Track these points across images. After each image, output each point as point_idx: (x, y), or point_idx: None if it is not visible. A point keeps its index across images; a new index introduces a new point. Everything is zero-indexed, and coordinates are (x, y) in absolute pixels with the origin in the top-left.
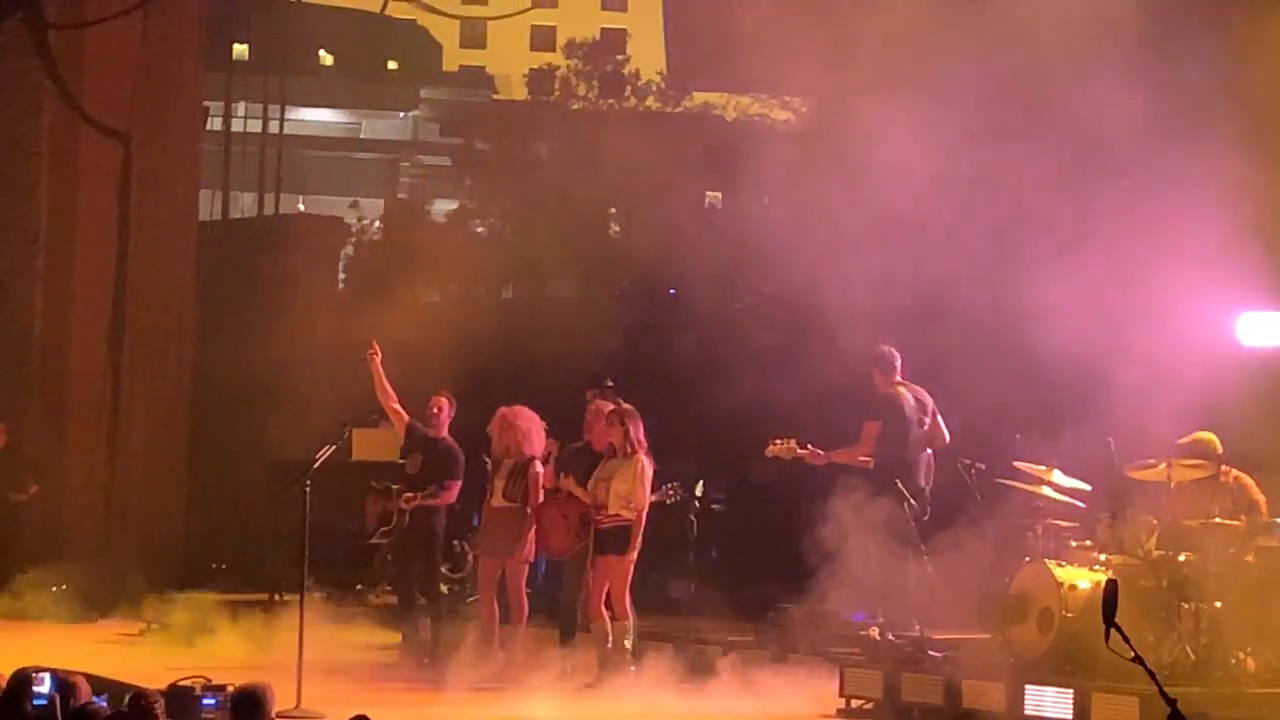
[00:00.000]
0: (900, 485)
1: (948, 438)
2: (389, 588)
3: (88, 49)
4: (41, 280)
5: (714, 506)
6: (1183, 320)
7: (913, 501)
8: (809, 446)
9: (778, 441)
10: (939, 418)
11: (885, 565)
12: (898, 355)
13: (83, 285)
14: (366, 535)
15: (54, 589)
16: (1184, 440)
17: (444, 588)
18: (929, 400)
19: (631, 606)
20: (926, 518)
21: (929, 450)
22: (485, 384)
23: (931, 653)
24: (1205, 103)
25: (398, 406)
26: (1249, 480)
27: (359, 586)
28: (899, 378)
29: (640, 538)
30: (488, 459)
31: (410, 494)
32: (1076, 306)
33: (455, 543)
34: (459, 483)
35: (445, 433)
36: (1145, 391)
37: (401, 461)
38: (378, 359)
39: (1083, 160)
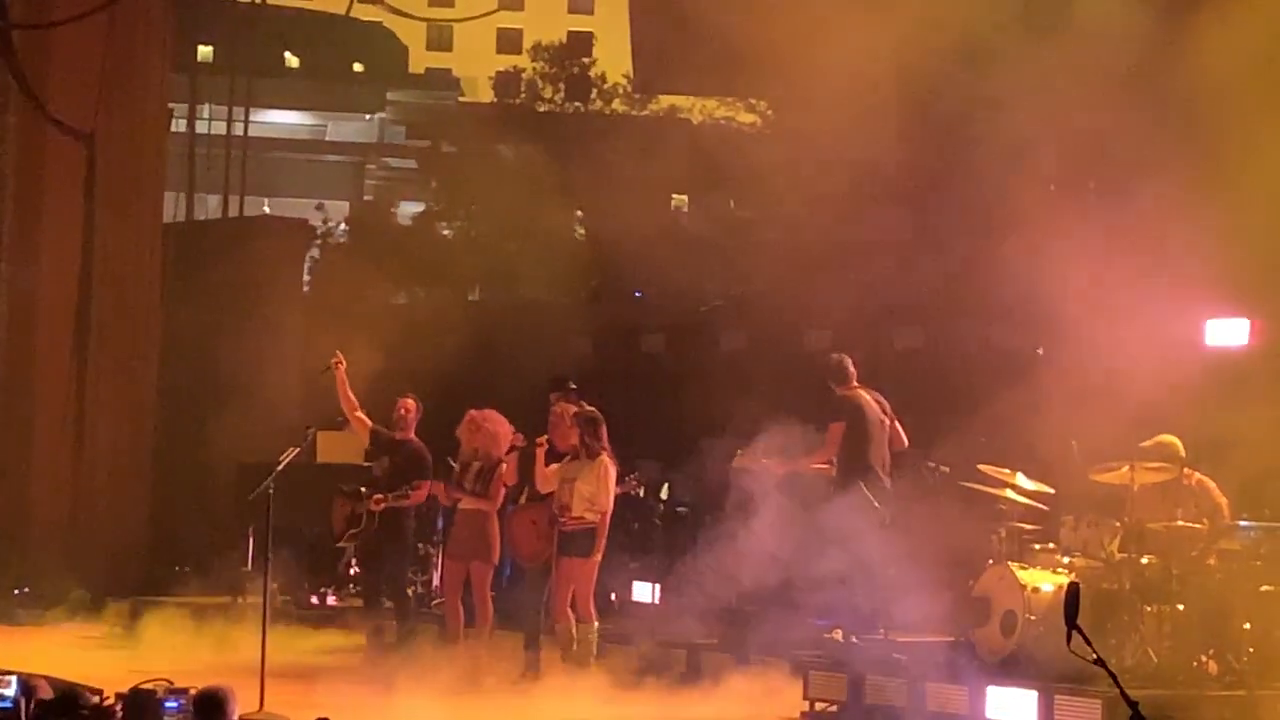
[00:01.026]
0: (865, 489)
1: (905, 440)
2: (354, 590)
3: (53, 49)
4: (5, 282)
5: (679, 509)
6: (1149, 322)
7: (878, 504)
8: (770, 458)
9: (741, 452)
10: (896, 421)
11: (850, 568)
12: (849, 361)
13: (47, 287)
14: (334, 538)
15: (16, 592)
16: (1147, 443)
17: (409, 590)
18: (885, 403)
19: (595, 609)
20: (889, 521)
21: (887, 453)
22: (452, 386)
23: (895, 655)
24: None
25: (361, 415)
26: (1211, 484)
27: (323, 589)
28: (854, 383)
29: (604, 540)
30: (453, 461)
31: (380, 495)
32: (1041, 308)
33: (420, 545)
34: (428, 483)
35: (413, 434)
36: (1107, 394)
37: (368, 465)
38: (342, 368)
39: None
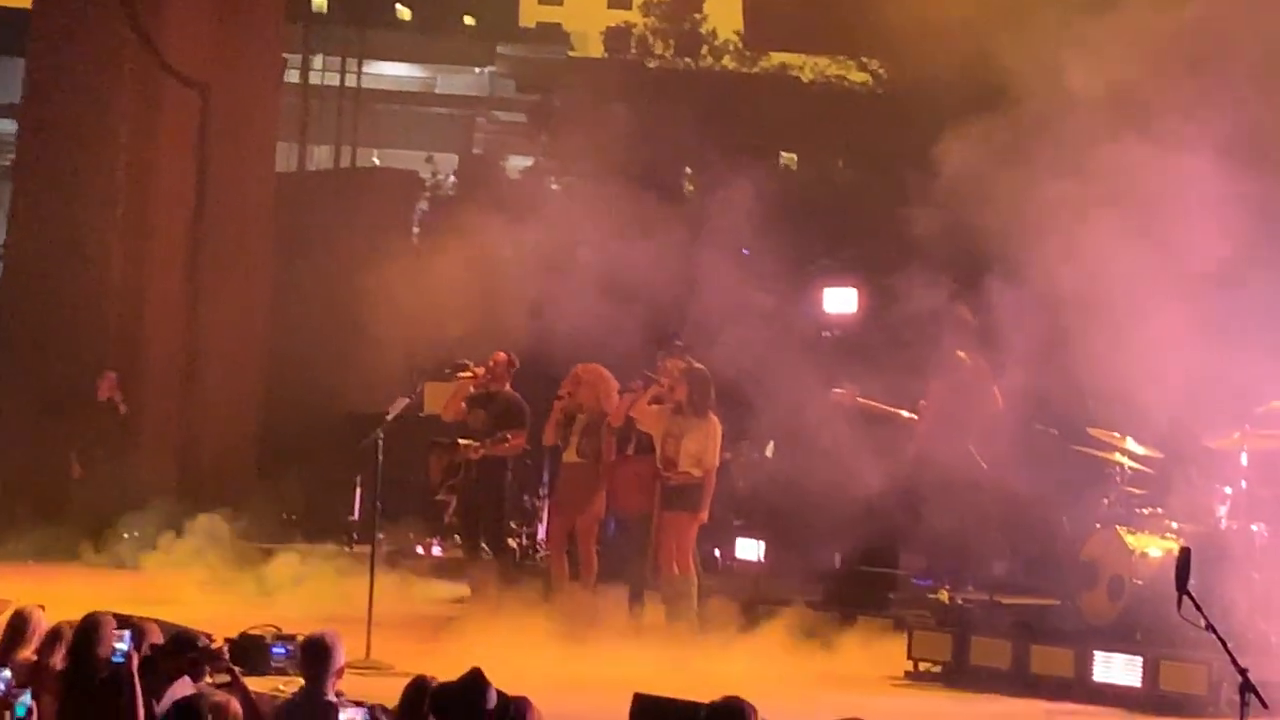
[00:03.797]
0: (973, 449)
1: (1000, 403)
2: (457, 541)
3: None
4: (119, 230)
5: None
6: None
7: (984, 465)
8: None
9: (840, 389)
10: (994, 385)
11: (958, 529)
12: (972, 318)
13: (160, 235)
14: (432, 490)
15: (125, 536)
16: (1261, 410)
17: (513, 543)
18: (985, 366)
19: (698, 564)
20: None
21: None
22: (556, 342)
23: (1001, 617)
24: None
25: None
26: None
27: (429, 539)
28: (967, 341)
29: (710, 497)
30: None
31: (476, 442)
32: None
33: (526, 498)
34: (524, 431)
35: (508, 387)
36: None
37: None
38: (469, 380)
39: None
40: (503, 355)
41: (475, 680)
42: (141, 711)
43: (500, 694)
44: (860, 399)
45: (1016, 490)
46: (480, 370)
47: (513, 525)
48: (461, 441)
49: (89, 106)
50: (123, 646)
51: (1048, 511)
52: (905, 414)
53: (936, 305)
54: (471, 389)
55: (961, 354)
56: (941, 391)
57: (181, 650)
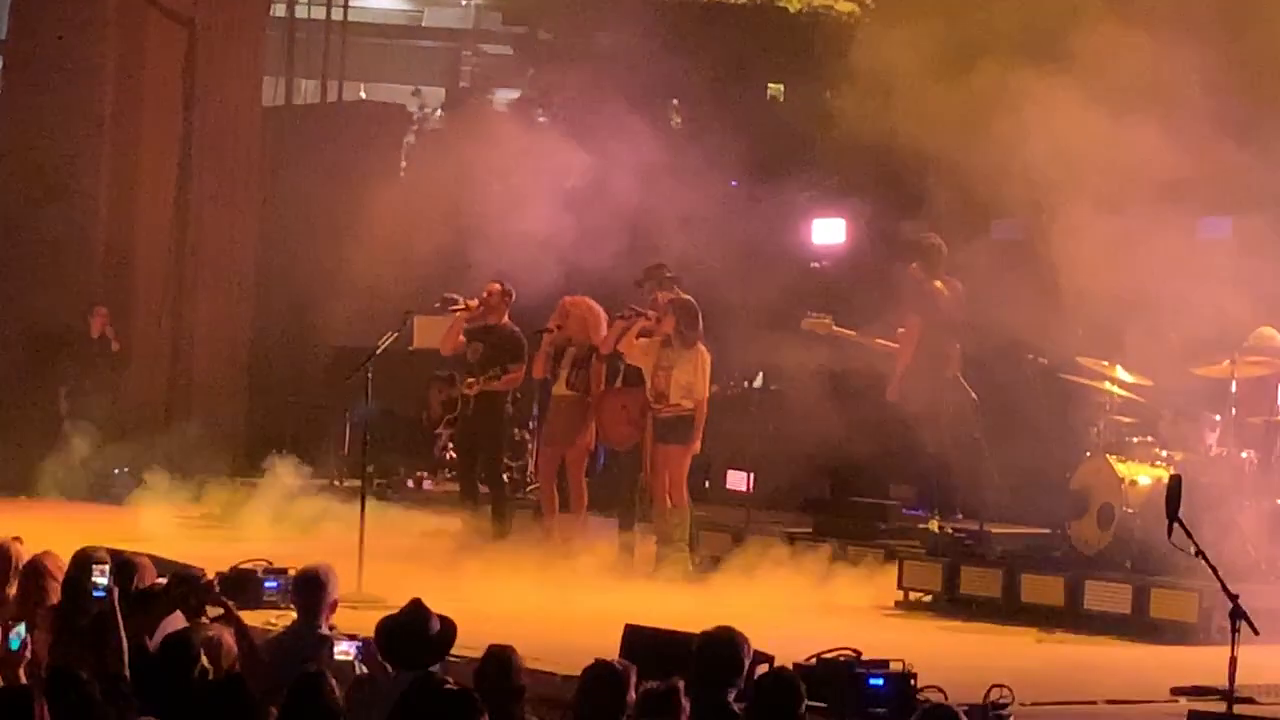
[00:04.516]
0: (961, 379)
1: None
2: (450, 475)
3: None
4: (107, 163)
5: (772, 388)
6: None
7: (974, 395)
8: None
9: (814, 315)
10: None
11: (947, 458)
12: (944, 248)
13: (148, 169)
14: (432, 424)
15: (115, 471)
16: (1249, 337)
17: (504, 476)
18: (961, 292)
19: (689, 496)
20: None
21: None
22: (546, 273)
23: (991, 546)
24: None
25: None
26: None
27: (419, 473)
28: (941, 271)
29: (701, 429)
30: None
31: (473, 379)
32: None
33: (515, 431)
34: (523, 365)
35: (505, 319)
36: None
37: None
38: (462, 312)
39: None
40: (496, 286)
41: (416, 610)
42: (125, 645)
43: (443, 619)
44: (835, 328)
45: (1005, 419)
46: (474, 303)
47: (505, 459)
48: (456, 375)
49: (75, 42)
50: (103, 581)
51: (1037, 440)
52: (881, 343)
53: (914, 235)
54: (466, 323)
55: (939, 283)
56: (921, 321)
57: (176, 586)
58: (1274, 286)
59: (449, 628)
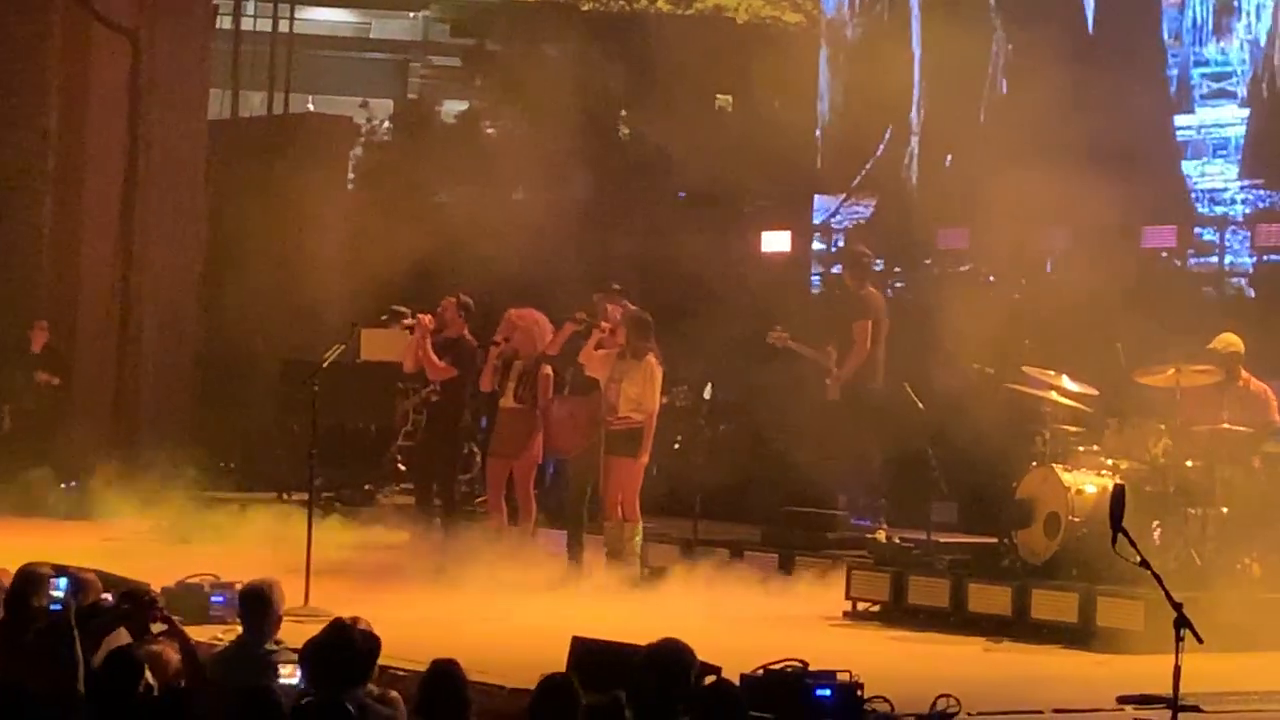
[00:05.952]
0: (909, 389)
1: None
2: (401, 488)
3: None
4: (52, 178)
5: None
6: None
7: (921, 405)
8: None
9: (777, 330)
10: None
11: (893, 468)
12: (871, 255)
13: (93, 183)
14: (395, 435)
15: (62, 486)
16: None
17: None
18: (883, 302)
19: (639, 509)
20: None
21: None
22: (495, 285)
23: (938, 556)
24: None
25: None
26: (1266, 389)
27: (368, 486)
28: (868, 281)
29: (651, 441)
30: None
31: (430, 390)
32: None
33: (464, 444)
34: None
35: (464, 333)
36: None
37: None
38: (423, 327)
39: None
40: (451, 300)
41: (337, 630)
42: (81, 660)
43: (365, 634)
44: (791, 342)
45: (952, 429)
46: (426, 318)
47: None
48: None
49: (18, 56)
50: (59, 595)
51: (984, 450)
52: (831, 351)
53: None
54: (429, 341)
55: (872, 289)
56: (863, 330)
57: (123, 602)
58: None
59: (373, 642)
